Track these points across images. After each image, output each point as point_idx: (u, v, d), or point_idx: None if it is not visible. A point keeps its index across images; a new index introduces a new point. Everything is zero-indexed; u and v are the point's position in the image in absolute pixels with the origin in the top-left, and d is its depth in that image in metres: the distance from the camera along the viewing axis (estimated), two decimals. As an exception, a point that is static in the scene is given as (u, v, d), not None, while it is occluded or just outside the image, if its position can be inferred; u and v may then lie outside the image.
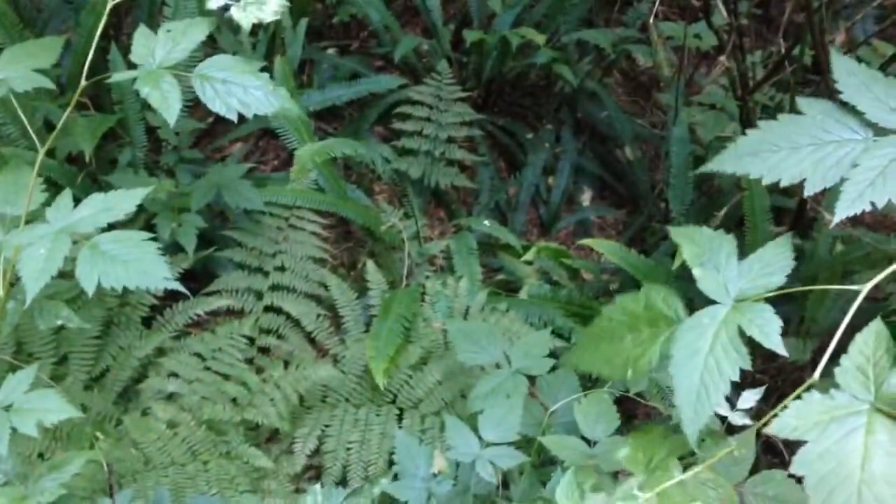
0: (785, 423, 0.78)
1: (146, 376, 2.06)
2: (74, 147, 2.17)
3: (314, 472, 2.05)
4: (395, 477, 1.57)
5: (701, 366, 0.82)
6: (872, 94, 0.86)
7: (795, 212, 2.40)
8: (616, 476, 1.25)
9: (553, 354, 1.66)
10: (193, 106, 2.31)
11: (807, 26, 2.09)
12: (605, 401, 1.40)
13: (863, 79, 0.87)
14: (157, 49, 1.22)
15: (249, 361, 2.17)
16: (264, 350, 2.23)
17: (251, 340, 2.19)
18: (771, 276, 0.87)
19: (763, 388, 1.14)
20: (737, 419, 1.12)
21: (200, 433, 1.91)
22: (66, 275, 1.25)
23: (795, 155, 0.86)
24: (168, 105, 1.16)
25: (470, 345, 1.70)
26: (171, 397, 2.02)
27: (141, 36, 1.25)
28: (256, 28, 1.99)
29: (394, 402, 2.10)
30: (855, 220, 2.64)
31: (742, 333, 0.83)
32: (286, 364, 2.09)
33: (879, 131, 0.85)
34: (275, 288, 2.27)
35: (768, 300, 0.85)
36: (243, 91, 1.19)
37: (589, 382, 2.06)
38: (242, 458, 1.90)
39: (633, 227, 2.84)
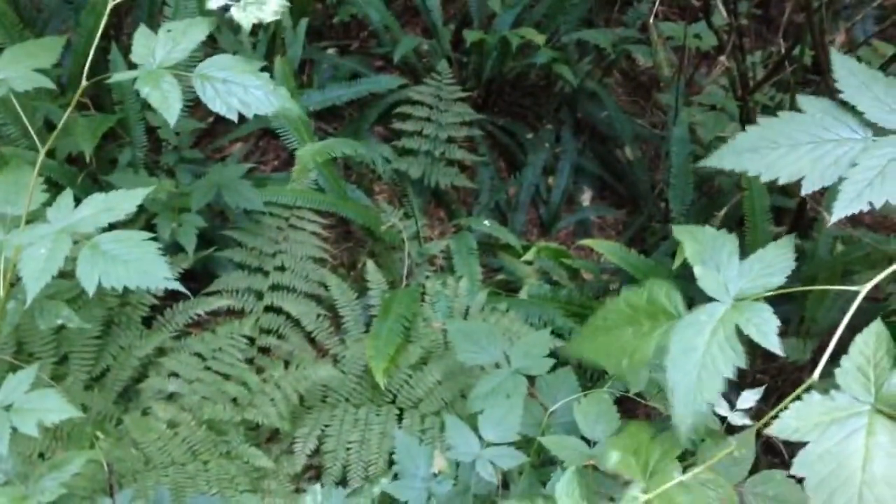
0: (785, 424, 0.78)
1: (146, 376, 2.06)
2: (75, 147, 2.17)
3: (314, 471, 2.05)
4: (395, 477, 1.57)
5: (697, 362, 0.82)
6: (872, 93, 0.86)
7: (795, 212, 2.40)
8: (616, 476, 1.25)
9: (553, 354, 1.66)
10: (194, 106, 2.31)
11: (807, 26, 2.09)
12: (604, 401, 1.40)
13: (863, 78, 0.87)
14: (157, 49, 1.22)
15: (250, 361, 2.17)
16: (264, 350, 2.23)
17: (251, 340, 2.19)
18: (771, 276, 0.87)
19: (763, 388, 1.14)
20: (736, 419, 1.13)
21: (201, 433, 1.92)
22: (66, 274, 1.25)
23: (794, 153, 0.86)
24: (168, 105, 1.16)
25: (470, 345, 1.70)
26: (171, 397, 2.03)
27: (141, 36, 1.25)
28: (256, 28, 1.99)
29: (394, 401, 2.10)
30: (855, 221, 2.64)
31: (740, 332, 0.82)
32: (286, 364, 2.09)
33: (879, 131, 0.85)
34: (275, 288, 2.27)
35: (768, 300, 0.85)
36: (244, 91, 1.19)
37: (589, 382, 2.07)
38: (243, 458, 1.90)
39: (633, 227, 2.84)
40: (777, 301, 0.86)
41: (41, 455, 1.84)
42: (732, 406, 1.13)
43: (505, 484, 1.50)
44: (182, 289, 1.25)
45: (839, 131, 0.86)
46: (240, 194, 2.20)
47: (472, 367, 2.01)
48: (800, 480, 0.79)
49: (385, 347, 2.02)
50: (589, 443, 1.35)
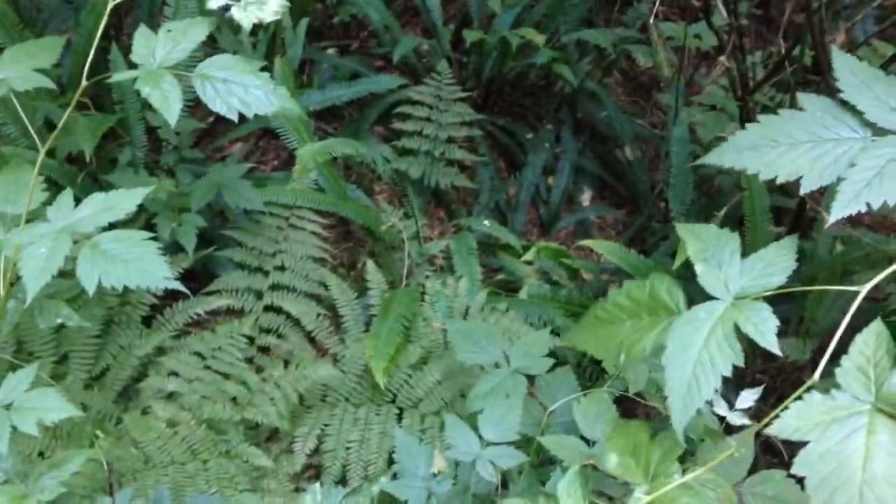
0: (786, 423, 0.78)
1: (146, 375, 2.06)
2: (75, 147, 2.17)
3: (314, 471, 2.05)
4: (395, 476, 1.57)
5: (694, 359, 0.82)
6: (873, 93, 0.86)
7: (795, 212, 2.40)
8: (615, 476, 1.25)
9: (552, 354, 1.66)
10: (194, 106, 2.31)
11: (807, 27, 2.09)
12: (604, 400, 1.40)
13: (863, 77, 0.87)
14: (157, 49, 1.22)
15: (249, 361, 2.17)
16: (264, 349, 2.23)
17: (251, 340, 2.19)
18: (772, 275, 0.87)
19: (762, 387, 1.14)
20: (735, 419, 1.12)
21: (200, 432, 1.92)
22: (66, 274, 1.25)
23: (793, 151, 0.86)
24: (169, 105, 1.16)
25: (469, 344, 1.70)
26: (171, 396, 2.03)
27: (141, 36, 1.25)
28: (257, 28, 1.99)
29: (393, 401, 2.10)
30: (854, 221, 2.64)
31: (740, 332, 0.82)
32: (286, 363, 2.09)
33: (878, 131, 0.85)
34: (275, 287, 2.27)
35: (768, 299, 0.85)
36: (244, 90, 1.19)
37: (588, 382, 2.07)
38: (242, 457, 1.91)
39: (632, 227, 2.84)
40: (777, 301, 0.86)
41: (41, 454, 1.84)
42: (731, 406, 1.13)
43: (504, 483, 1.50)
44: (182, 288, 1.25)
45: (839, 130, 0.86)
46: (240, 194, 2.20)
47: (471, 367, 2.01)
48: (800, 480, 0.79)
49: (385, 347, 2.02)
50: (588, 442, 1.35)
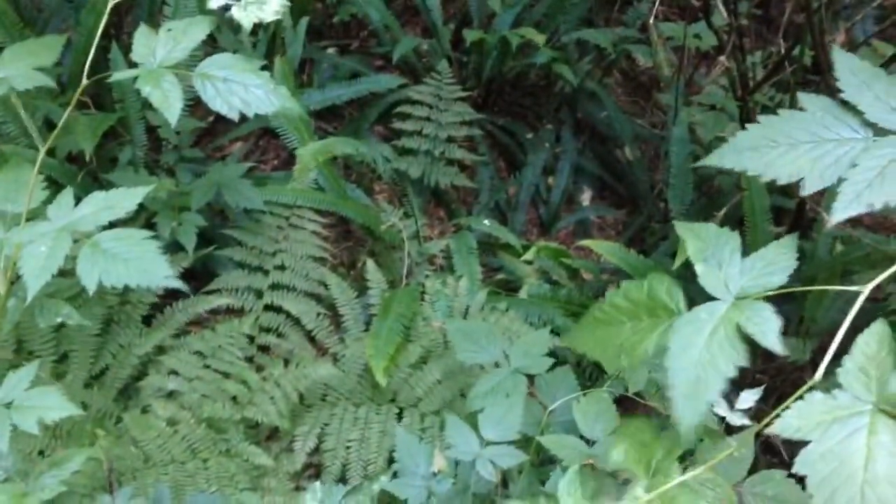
0: (787, 423, 0.78)
1: (146, 374, 2.06)
2: (75, 146, 2.17)
3: (314, 470, 2.05)
4: (395, 475, 1.58)
5: (696, 361, 0.82)
6: (873, 92, 0.85)
7: (795, 212, 2.40)
8: (615, 475, 1.25)
9: (552, 354, 1.66)
10: (194, 105, 2.31)
11: (807, 26, 2.09)
12: (604, 400, 1.40)
13: (864, 77, 0.86)
14: (157, 48, 1.22)
15: (249, 360, 2.17)
16: (264, 348, 2.23)
17: (251, 339, 2.19)
18: (772, 275, 0.87)
19: (762, 387, 1.14)
20: (735, 419, 1.12)
21: (200, 431, 1.92)
22: (66, 272, 1.25)
23: (793, 152, 0.86)
24: (169, 104, 1.16)
25: (469, 344, 1.70)
26: (171, 395, 2.03)
27: (142, 35, 1.25)
28: (257, 27, 1.99)
29: (393, 400, 2.10)
30: (855, 221, 2.64)
31: (741, 331, 0.82)
32: (286, 362, 2.09)
33: (879, 131, 0.84)
34: (275, 287, 2.27)
35: (769, 299, 0.85)
36: (244, 90, 1.19)
37: (588, 382, 2.07)
38: (242, 456, 1.91)
39: (632, 227, 2.84)
40: (777, 301, 0.86)
41: (41, 452, 1.84)
42: (731, 406, 1.13)
43: (504, 483, 1.50)
44: (182, 287, 1.25)
45: (840, 131, 0.86)
46: (240, 193, 2.20)
47: (471, 367, 2.01)
48: (800, 480, 0.79)
49: (385, 346, 2.02)
50: (588, 442, 1.35)
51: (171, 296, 2.15)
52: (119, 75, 1.25)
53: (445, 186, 2.71)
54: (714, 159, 0.91)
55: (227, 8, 1.19)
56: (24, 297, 1.20)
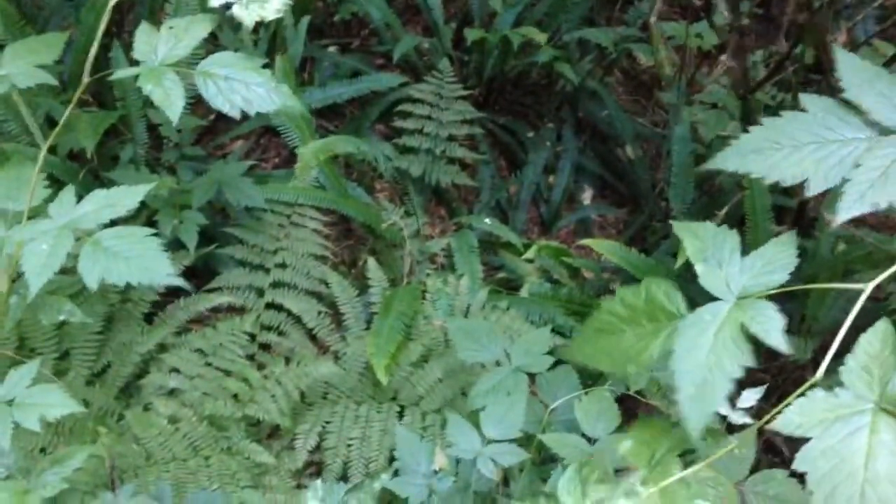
0: (788, 419, 0.78)
1: (148, 372, 2.06)
2: (76, 144, 2.17)
3: (315, 468, 2.05)
4: (396, 473, 1.58)
5: (703, 363, 0.82)
6: (876, 91, 0.85)
7: (796, 211, 2.40)
8: (617, 473, 1.25)
9: (553, 352, 1.66)
10: (195, 103, 2.31)
11: (808, 26, 2.09)
12: (606, 399, 1.40)
13: (867, 76, 0.86)
14: (159, 46, 1.22)
15: (251, 358, 2.17)
16: (265, 346, 2.23)
17: (252, 337, 2.19)
18: (773, 273, 0.87)
19: (764, 386, 1.14)
20: (737, 418, 1.12)
21: (202, 429, 1.92)
22: (68, 270, 1.25)
23: (797, 153, 0.86)
24: (171, 102, 1.16)
25: (471, 342, 1.70)
26: (172, 393, 2.03)
27: (143, 33, 1.24)
28: (258, 26, 1.99)
29: (395, 399, 2.10)
30: (858, 221, 2.64)
31: (745, 331, 0.82)
32: (287, 360, 2.09)
33: (883, 130, 0.84)
34: (276, 285, 2.28)
35: (771, 298, 0.85)
36: (246, 88, 1.19)
37: (590, 380, 2.07)
38: (244, 454, 1.91)
39: (633, 225, 2.84)
40: (779, 299, 0.86)
41: (43, 450, 1.85)
42: (733, 404, 1.13)
43: (506, 481, 1.50)
44: (184, 285, 1.26)
45: (842, 131, 0.85)
46: (241, 191, 2.20)
47: (472, 365, 2.01)
48: (801, 480, 0.79)
49: (386, 345, 2.03)
50: (590, 440, 1.35)
51: (172, 294, 2.15)
52: (120, 73, 1.25)
53: (446, 185, 2.71)
54: (717, 162, 0.91)
55: (228, 6, 1.18)
56: (25, 295, 1.20)
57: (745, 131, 0.92)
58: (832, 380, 0.80)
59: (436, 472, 1.46)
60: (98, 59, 1.27)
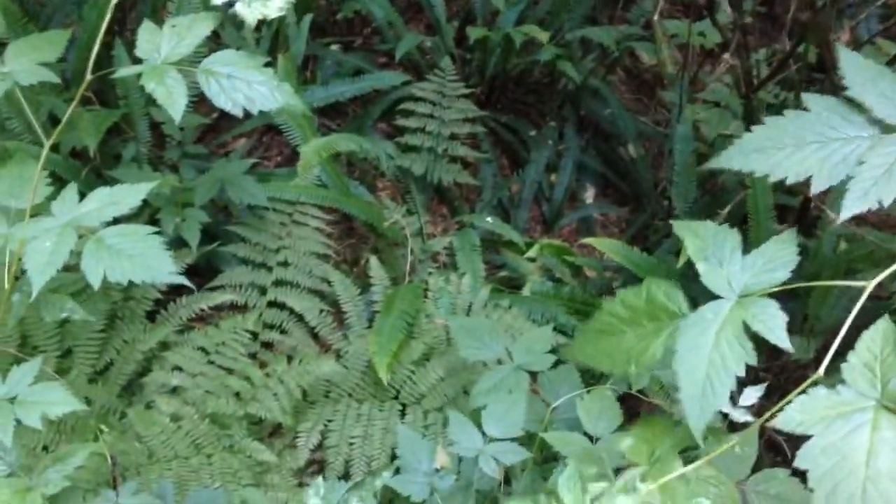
0: (790, 417, 0.78)
1: (150, 370, 2.07)
2: (79, 142, 2.17)
3: (317, 466, 2.05)
4: (398, 471, 1.58)
5: (706, 361, 0.82)
6: (879, 89, 0.85)
7: (799, 210, 2.40)
8: (618, 472, 1.25)
9: (555, 351, 1.66)
10: (197, 101, 2.31)
11: (811, 24, 2.09)
12: (607, 397, 1.40)
13: (870, 75, 0.86)
14: (162, 44, 1.22)
15: (253, 356, 2.18)
16: (267, 345, 2.23)
17: (254, 335, 2.19)
18: (774, 271, 0.87)
19: (765, 385, 1.14)
20: (739, 416, 1.12)
21: (204, 427, 1.92)
22: (70, 268, 1.26)
23: (800, 152, 0.86)
24: (173, 100, 1.16)
25: (472, 341, 1.70)
26: (174, 391, 2.03)
27: (146, 31, 1.25)
28: (260, 24, 1.99)
29: (396, 397, 2.10)
30: (859, 219, 2.63)
31: (748, 329, 0.82)
32: (289, 359, 2.09)
33: (886, 128, 0.84)
34: (278, 283, 2.28)
35: (773, 296, 0.85)
36: (248, 86, 1.19)
37: (592, 379, 2.07)
38: (246, 452, 1.91)
39: (636, 224, 2.84)
40: (781, 299, 0.86)
41: (45, 448, 1.85)
42: (734, 403, 1.12)
43: (507, 480, 1.50)
44: (186, 283, 1.26)
45: (846, 130, 0.86)
46: (243, 190, 2.20)
47: (474, 364, 2.01)
48: (802, 478, 0.79)
49: (388, 343, 2.03)
50: (592, 439, 1.35)
51: (174, 292, 2.15)
52: (123, 71, 1.25)
53: (448, 184, 2.71)
54: (720, 161, 0.91)
55: (230, 4, 1.18)
56: (28, 293, 1.20)
57: (748, 130, 0.92)
58: (834, 378, 0.80)
59: (437, 471, 1.46)
60: (100, 57, 1.27)
